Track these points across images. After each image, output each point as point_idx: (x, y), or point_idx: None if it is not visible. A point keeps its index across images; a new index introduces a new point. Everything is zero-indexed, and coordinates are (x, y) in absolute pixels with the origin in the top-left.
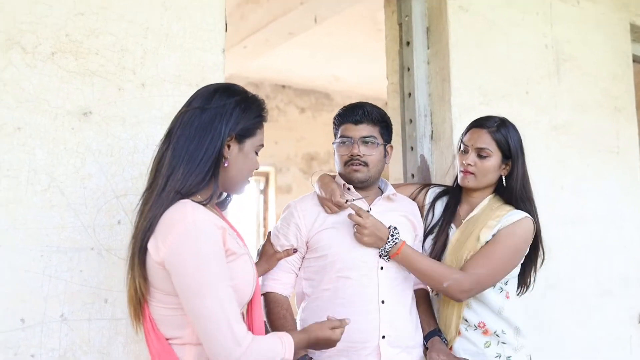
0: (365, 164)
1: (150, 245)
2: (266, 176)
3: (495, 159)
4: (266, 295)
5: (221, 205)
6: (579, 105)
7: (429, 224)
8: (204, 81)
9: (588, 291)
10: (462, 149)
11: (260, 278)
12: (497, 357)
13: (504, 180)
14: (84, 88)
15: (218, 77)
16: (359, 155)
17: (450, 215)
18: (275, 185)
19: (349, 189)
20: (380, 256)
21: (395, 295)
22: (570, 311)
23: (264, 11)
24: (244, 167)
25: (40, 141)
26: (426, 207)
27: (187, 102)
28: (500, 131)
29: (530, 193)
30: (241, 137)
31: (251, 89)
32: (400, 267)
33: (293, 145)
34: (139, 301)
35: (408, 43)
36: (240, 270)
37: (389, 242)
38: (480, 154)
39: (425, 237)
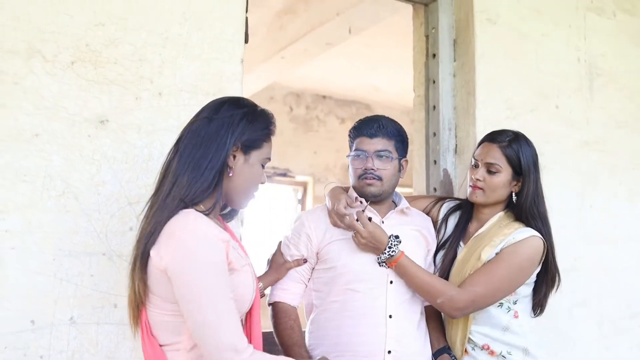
0: (379, 178)
1: (153, 252)
2: (304, 186)
3: (505, 175)
4: (274, 305)
5: (226, 217)
6: (612, 121)
7: (441, 240)
8: (221, 91)
9: (617, 313)
10: (473, 163)
11: (269, 287)
12: None
13: (514, 197)
14: (102, 96)
15: (236, 87)
16: (372, 169)
17: (460, 231)
18: (313, 195)
19: (361, 202)
20: (378, 264)
21: (403, 311)
22: (598, 333)
23: (302, 22)
24: (249, 178)
25: (57, 147)
26: (439, 222)
27: (197, 112)
28: (511, 146)
29: (543, 211)
30: (247, 148)
31: (292, 99)
32: None
33: (332, 156)
34: (137, 305)
35: (434, 55)
36: (242, 282)
37: (385, 252)
38: (490, 170)
39: (437, 252)
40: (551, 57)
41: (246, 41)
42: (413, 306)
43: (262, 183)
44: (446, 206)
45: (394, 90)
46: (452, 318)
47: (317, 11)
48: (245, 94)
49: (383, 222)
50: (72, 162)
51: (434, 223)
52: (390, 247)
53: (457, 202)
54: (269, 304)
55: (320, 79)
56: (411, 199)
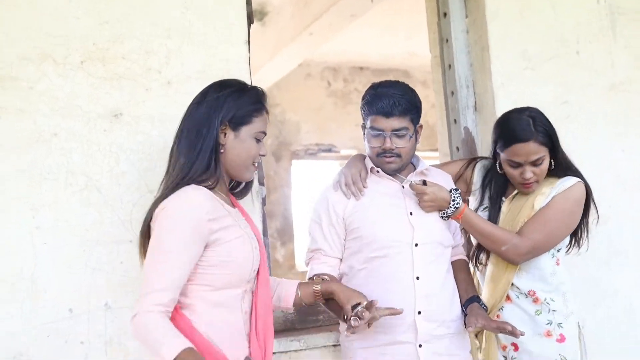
0: (399, 155)
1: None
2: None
3: (546, 157)
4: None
5: (238, 195)
6: (639, 61)
7: (482, 198)
8: (228, 74)
9: None
10: (509, 164)
11: (310, 263)
12: (548, 324)
13: (552, 164)
14: (113, 91)
15: (243, 69)
16: (391, 149)
17: (502, 188)
18: None
19: (378, 171)
20: (441, 217)
21: (430, 272)
22: (639, 280)
23: None
24: (242, 153)
25: (76, 144)
26: (476, 183)
27: (193, 99)
28: (538, 131)
29: (573, 165)
30: (235, 125)
31: (329, 74)
32: (435, 243)
33: None
34: None
35: (445, 14)
36: (235, 249)
37: (450, 206)
38: (535, 163)
39: (477, 210)
40: (568, 2)
41: (251, 22)
42: (439, 266)
43: (261, 155)
44: (480, 165)
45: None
46: (515, 264)
47: None
48: (280, 74)
49: (403, 187)
50: (91, 156)
51: (468, 184)
52: (454, 200)
53: (490, 161)
54: (309, 279)
55: (355, 51)
56: (442, 165)
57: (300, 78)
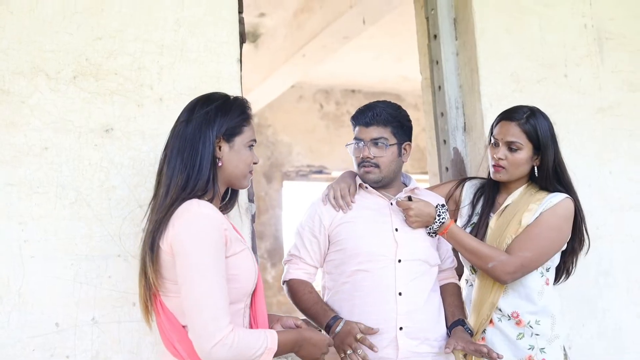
0: (377, 166)
1: (162, 242)
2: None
3: (526, 151)
4: (289, 282)
5: (226, 209)
6: (626, 85)
7: (470, 214)
8: (220, 91)
9: None
10: (492, 142)
11: (287, 265)
12: (530, 349)
13: (536, 171)
14: (105, 107)
15: (234, 87)
16: (369, 157)
17: (490, 205)
18: None
19: (367, 187)
20: (428, 234)
21: (413, 288)
22: (628, 300)
23: (318, 18)
24: (239, 163)
25: (66, 158)
26: (464, 201)
27: (177, 118)
28: (529, 122)
29: (566, 181)
30: (229, 137)
31: (321, 96)
32: (419, 261)
33: None
34: (149, 298)
35: (435, 36)
36: (242, 264)
37: (436, 221)
38: (511, 147)
39: (465, 227)
40: (555, 26)
41: (243, 41)
42: (423, 284)
43: (254, 163)
44: (469, 185)
45: None
46: (503, 283)
47: (332, 6)
48: (273, 95)
49: (392, 204)
50: (82, 171)
51: (457, 202)
52: (439, 215)
53: (480, 180)
54: (284, 282)
55: (348, 74)
56: (433, 188)
57: (293, 100)
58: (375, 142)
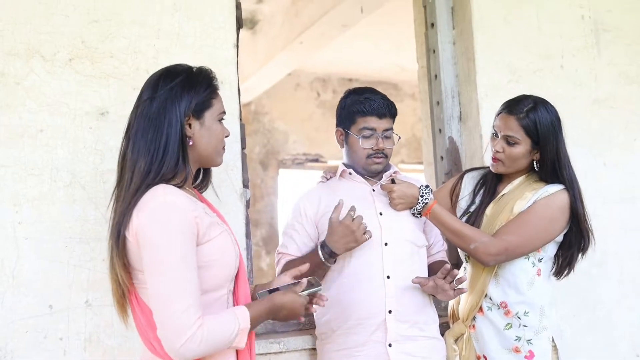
0: (386, 156)
1: (127, 232)
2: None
3: (524, 145)
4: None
5: (201, 187)
6: (622, 77)
7: (469, 204)
8: (217, 76)
9: (638, 272)
10: (493, 132)
11: (277, 267)
12: (516, 340)
13: (535, 165)
14: (101, 90)
15: (231, 72)
16: (383, 149)
17: (491, 195)
18: None
19: (350, 173)
20: (412, 214)
21: (401, 271)
22: (620, 293)
23: (316, 5)
24: (210, 139)
25: (61, 141)
26: (464, 192)
27: (138, 96)
28: (528, 117)
29: (568, 175)
30: (198, 113)
31: (318, 85)
32: (406, 242)
33: None
34: (122, 294)
35: (432, 25)
36: (221, 247)
37: (419, 202)
38: (509, 141)
39: (461, 216)
40: (553, 17)
41: (240, 26)
42: (411, 266)
43: (226, 136)
44: (469, 176)
45: None
46: (485, 265)
47: None
48: (270, 83)
49: (374, 191)
50: (77, 153)
51: (457, 196)
52: (422, 196)
53: (482, 170)
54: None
55: (345, 63)
56: (440, 189)
57: (290, 88)
58: (387, 134)
